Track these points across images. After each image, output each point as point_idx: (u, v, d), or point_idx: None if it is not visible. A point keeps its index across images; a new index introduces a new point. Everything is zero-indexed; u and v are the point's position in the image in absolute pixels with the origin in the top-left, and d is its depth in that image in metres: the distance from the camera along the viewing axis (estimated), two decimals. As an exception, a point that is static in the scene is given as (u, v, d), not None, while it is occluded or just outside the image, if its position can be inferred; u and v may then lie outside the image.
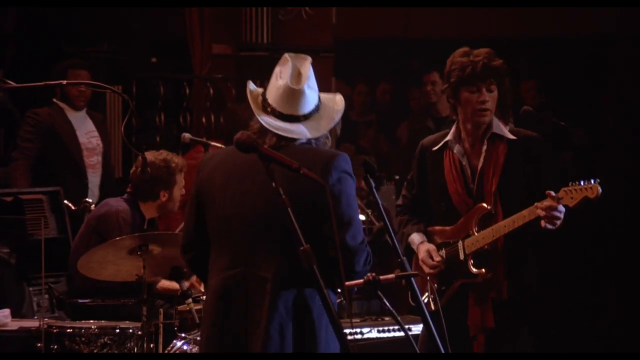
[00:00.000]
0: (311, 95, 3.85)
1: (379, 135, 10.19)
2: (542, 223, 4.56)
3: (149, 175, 5.82)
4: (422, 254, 4.90)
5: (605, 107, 9.82)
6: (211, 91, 9.28)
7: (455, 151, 4.84)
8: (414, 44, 10.91)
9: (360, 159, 3.94)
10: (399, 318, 3.85)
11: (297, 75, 3.82)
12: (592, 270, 8.07)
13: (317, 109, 3.88)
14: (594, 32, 10.53)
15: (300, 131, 3.83)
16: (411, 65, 10.92)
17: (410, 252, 4.97)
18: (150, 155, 5.87)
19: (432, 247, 4.90)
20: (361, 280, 3.79)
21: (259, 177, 3.71)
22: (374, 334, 6.51)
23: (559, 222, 4.55)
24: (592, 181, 4.49)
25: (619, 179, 7.98)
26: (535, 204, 4.57)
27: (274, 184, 3.65)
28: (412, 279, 3.87)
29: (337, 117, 3.89)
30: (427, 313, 3.89)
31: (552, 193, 4.53)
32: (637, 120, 9.34)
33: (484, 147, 4.78)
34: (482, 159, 4.78)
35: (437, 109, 8.86)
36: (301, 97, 3.83)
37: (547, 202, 4.54)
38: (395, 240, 3.90)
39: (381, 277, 3.82)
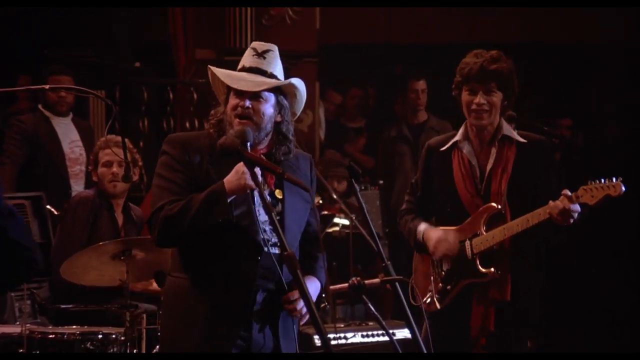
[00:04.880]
0: (276, 62, 3.99)
1: (364, 140, 10.13)
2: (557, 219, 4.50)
3: None
4: (433, 241, 4.77)
5: (585, 111, 9.87)
6: (195, 96, 9.24)
7: (465, 151, 4.79)
8: (397, 49, 10.91)
9: (345, 163, 3.93)
10: (383, 322, 3.84)
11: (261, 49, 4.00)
12: (594, 272, 8.08)
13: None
14: (578, 39, 10.57)
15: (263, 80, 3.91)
16: (395, 70, 10.91)
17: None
18: None
19: (446, 235, 4.76)
20: (346, 285, 3.78)
21: None
22: (358, 338, 6.50)
23: (572, 220, 4.52)
24: (614, 179, 4.47)
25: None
26: (550, 202, 4.52)
27: (257, 190, 3.64)
28: (397, 283, 3.86)
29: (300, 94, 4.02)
30: (411, 318, 3.88)
31: (568, 192, 4.51)
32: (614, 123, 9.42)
33: (494, 149, 4.75)
34: (491, 161, 4.75)
35: (417, 116, 8.82)
36: (268, 57, 3.97)
37: (563, 202, 4.49)
38: (379, 245, 3.89)
39: (366, 281, 3.81)
